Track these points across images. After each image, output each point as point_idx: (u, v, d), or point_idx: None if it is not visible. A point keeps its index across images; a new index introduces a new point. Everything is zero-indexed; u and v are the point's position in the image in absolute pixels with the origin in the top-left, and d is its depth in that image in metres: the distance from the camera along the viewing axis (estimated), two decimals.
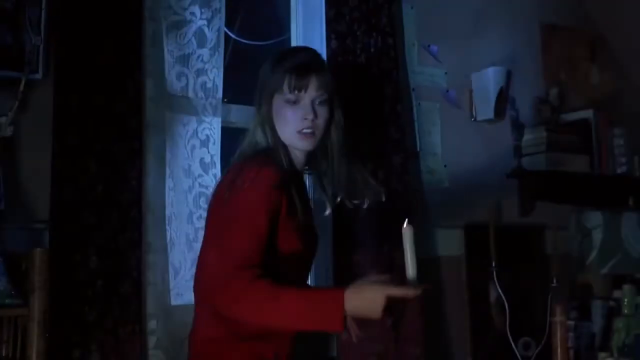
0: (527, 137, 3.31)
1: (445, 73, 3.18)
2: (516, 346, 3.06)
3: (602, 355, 3.07)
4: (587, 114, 3.43)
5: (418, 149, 3.05)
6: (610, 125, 3.50)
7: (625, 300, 3.06)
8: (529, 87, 3.46)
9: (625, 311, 3.05)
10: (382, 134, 2.79)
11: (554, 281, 3.16)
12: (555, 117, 3.43)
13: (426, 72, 3.13)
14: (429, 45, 3.15)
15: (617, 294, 3.22)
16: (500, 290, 3.07)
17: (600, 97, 3.67)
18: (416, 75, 3.09)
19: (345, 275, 2.57)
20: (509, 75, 3.29)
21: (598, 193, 3.33)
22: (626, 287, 3.07)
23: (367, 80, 2.78)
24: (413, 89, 3.07)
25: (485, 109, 3.21)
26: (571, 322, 3.17)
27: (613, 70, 3.83)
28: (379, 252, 2.71)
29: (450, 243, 3.07)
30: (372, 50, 2.82)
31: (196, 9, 2.50)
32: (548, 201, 3.38)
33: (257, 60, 2.18)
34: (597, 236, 3.06)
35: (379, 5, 2.87)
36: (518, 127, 3.32)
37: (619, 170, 3.48)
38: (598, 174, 3.40)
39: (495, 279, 3.06)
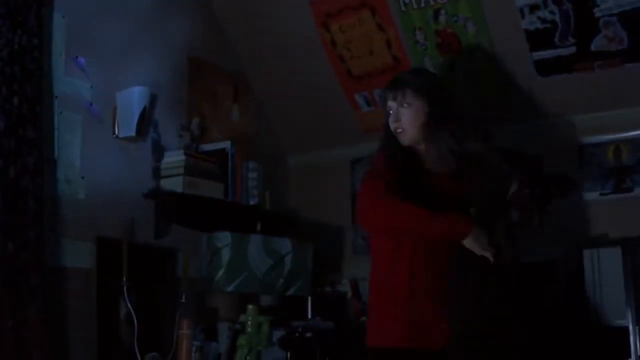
0: (167, 159, 3.63)
1: (91, 87, 3.38)
2: None
3: None
4: (225, 144, 3.88)
5: (56, 157, 3.18)
6: (246, 159, 3.99)
7: (249, 319, 3.48)
8: (173, 114, 3.80)
9: (249, 329, 3.46)
10: (17, 132, 2.88)
11: (183, 298, 3.48)
12: (196, 145, 3.81)
13: (71, 83, 3.29)
14: (76, 57, 3.34)
15: (242, 318, 3.63)
16: (130, 306, 3.28)
17: (239, 134, 4.17)
18: (61, 83, 3.23)
19: None
20: (153, 98, 3.61)
21: (230, 219, 3.74)
22: (250, 307, 3.49)
23: (7, 76, 2.88)
24: (56, 97, 3.21)
25: (127, 127, 3.46)
26: (198, 343, 3.49)
27: (252, 111, 4.39)
28: None
29: (81, 255, 3.21)
30: (16, 47, 2.94)
31: None
32: (183, 225, 3.71)
33: None
34: (226, 255, 3.44)
35: (27, 5, 3.01)
36: (158, 149, 3.64)
37: (251, 202, 3.97)
38: (232, 201, 3.83)
39: (126, 294, 3.27)
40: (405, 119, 2.65)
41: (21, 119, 2.89)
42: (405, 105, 2.65)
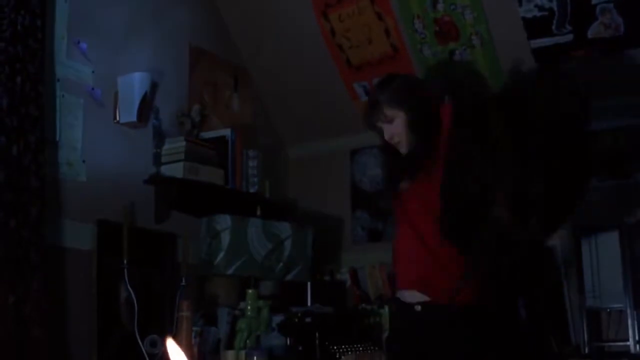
0: (168, 146, 3.66)
1: (93, 72, 3.43)
2: (143, 344, 3.31)
3: (228, 352, 3.45)
4: (225, 132, 3.91)
5: (58, 139, 3.22)
6: (245, 147, 4.02)
7: (249, 303, 3.50)
8: (173, 101, 3.84)
9: (249, 313, 3.49)
10: (20, 110, 2.92)
11: (183, 281, 3.50)
12: (196, 132, 3.85)
13: (73, 67, 3.33)
14: (78, 42, 3.38)
15: (242, 305, 3.66)
16: (130, 289, 3.31)
17: (239, 125, 4.21)
18: (63, 67, 3.27)
19: None
20: (154, 85, 3.65)
21: (230, 205, 3.77)
22: (250, 292, 3.51)
23: (11, 55, 2.92)
24: (58, 80, 3.25)
25: (128, 113, 3.49)
26: (197, 328, 3.51)
27: (252, 102, 4.43)
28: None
29: (81, 237, 3.23)
30: (19, 27, 2.98)
31: None
32: (183, 211, 3.74)
33: None
34: (225, 239, 3.47)
35: None
36: (159, 135, 3.68)
37: (251, 190, 4.00)
38: (232, 188, 3.86)
39: (126, 277, 3.30)
40: (396, 131, 2.77)
41: (24, 97, 2.92)
42: (388, 121, 2.77)
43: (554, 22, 3.65)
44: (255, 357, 3.14)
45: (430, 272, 2.67)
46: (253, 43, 4.33)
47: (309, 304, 4.00)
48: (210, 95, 4.12)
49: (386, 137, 2.78)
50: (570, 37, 3.67)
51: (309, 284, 3.97)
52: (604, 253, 3.56)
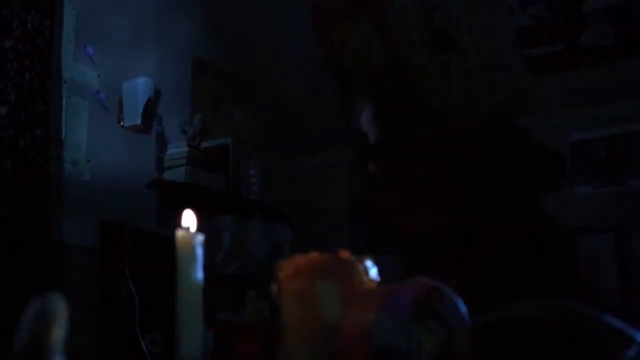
0: (171, 151, 3.75)
1: (98, 76, 3.53)
2: (144, 342, 3.34)
3: None
4: (226, 140, 4.00)
5: (63, 137, 3.30)
6: (246, 156, 4.11)
7: (249, 304, 3.54)
8: (176, 110, 3.93)
9: (249, 315, 3.52)
10: (27, 105, 3.01)
11: None
12: (198, 140, 3.94)
13: (79, 70, 3.43)
14: (85, 47, 3.49)
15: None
16: (132, 287, 3.36)
17: (240, 136, 4.30)
18: (69, 70, 3.37)
19: None
20: (157, 92, 3.76)
21: (230, 211, 3.84)
22: (250, 292, 3.55)
23: (20, 52, 3.03)
24: (65, 81, 3.35)
25: (132, 116, 3.59)
26: None
27: (253, 115, 4.52)
28: None
29: (84, 234, 3.29)
30: (29, 26, 3.09)
31: None
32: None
33: None
34: (226, 239, 3.53)
35: None
36: (162, 141, 3.77)
37: (251, 197, 4.07)
38: (233, 194, 3.93)
39: (128, 276, 3.35)
40: None
41: (31, 93, 3.02)
42: None
43: (547, 31, 3.77)
44: None
45: None
46: (254, 55, 4.44)
47: None
48: (212, 106, 4.22)
49: None
50: (562, 45, 3.78)
51: None
52: (599, 254, 3.63)
